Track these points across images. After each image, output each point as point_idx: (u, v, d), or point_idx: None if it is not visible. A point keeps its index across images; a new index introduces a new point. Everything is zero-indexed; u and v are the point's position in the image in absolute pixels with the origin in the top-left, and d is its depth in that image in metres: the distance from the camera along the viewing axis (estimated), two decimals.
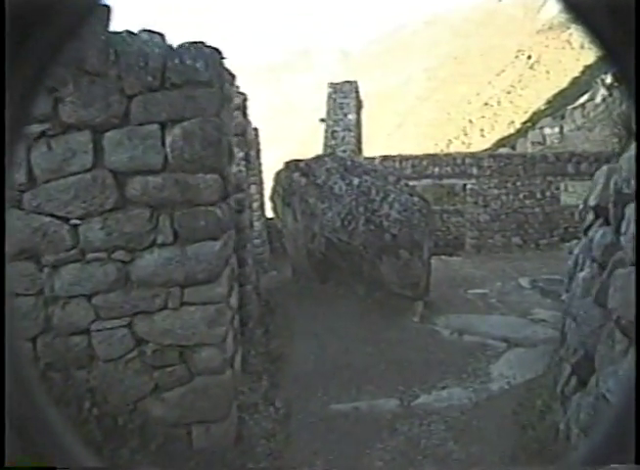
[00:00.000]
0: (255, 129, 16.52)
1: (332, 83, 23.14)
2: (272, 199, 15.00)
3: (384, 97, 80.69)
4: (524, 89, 69.97)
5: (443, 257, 18.45)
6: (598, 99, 43.19)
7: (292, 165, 11.80)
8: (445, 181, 18.35)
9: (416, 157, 18.61)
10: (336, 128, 20.93)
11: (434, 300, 10.92)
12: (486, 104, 72.14)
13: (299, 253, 11.98)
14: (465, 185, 18.15)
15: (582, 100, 44.74)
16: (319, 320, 8.96)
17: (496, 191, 17.79)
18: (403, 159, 18.18)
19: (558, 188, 17.81)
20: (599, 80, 45.02)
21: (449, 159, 18.36)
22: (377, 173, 10.56)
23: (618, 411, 0.75)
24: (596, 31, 0.70)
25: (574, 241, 18.73)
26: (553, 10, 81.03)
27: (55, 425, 0.81)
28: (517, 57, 78.36)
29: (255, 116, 15.05)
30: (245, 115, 14.39)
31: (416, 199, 10.03)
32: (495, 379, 7.02)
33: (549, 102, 57.95)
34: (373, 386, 6.85)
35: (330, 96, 22.74)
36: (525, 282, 12.89)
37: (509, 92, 72.10)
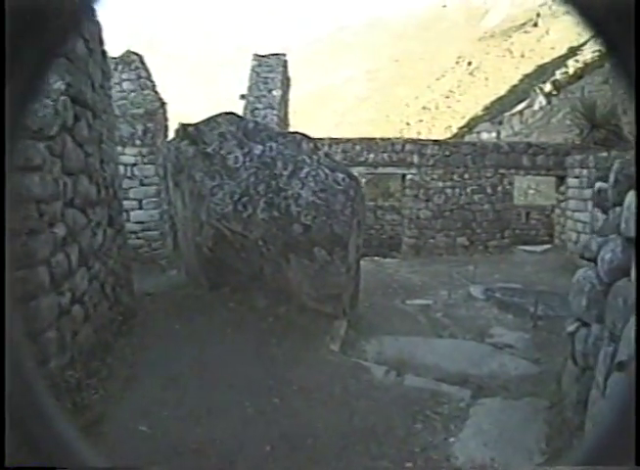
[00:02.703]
0: (163, 104, 13.92)
1: (257, 55, 20.13)
2: (165, 178, 11.96)
3: (323, 96, 79.21)
4: (462, 95, 69.72)
5: (376, 258, 15.78)
6: (536, 106, 42.69)
7: (180, 132, 8.64)
8: (381, 170, 15.59)
9: (348, 140, 15.76)
10: (257, 105, 17.88)
11: (364, 314, 8.08)
12: (425, 107, 71.72)
13: (189, 248, 8.95)
14: (404, 175, 15.47)
15: (520, 107, 44.23)
16: (190, 350, 5.83)
17: (440, 184, 15.18)
18: (333, 142, 15.30)
19: (511, 183, 15.39)
20: (537, 88, 44.76)
21: (387, 144, 15.61)
22: (286, 139, 7.56)
23: (618, 411, 0.72)
24: (598, 27, 0.70)
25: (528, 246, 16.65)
26: (495, 18, 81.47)
27: (55, 425, 0.79)
28: (457, 63, 78.39)
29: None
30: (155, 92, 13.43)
31: (340, 175, 7.08)
32: None
33: (487, 108, 57.67)
34: None
35: (253, 69, 19.72)
36: (476, 291, 10.24)
37: (447, 97, 71.78)
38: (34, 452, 0.74)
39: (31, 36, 0.67)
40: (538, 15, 71.57)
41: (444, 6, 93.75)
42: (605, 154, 11.91)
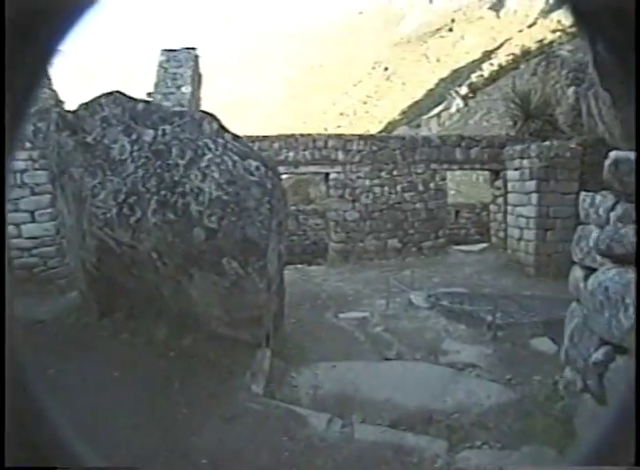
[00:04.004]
0: (59, 102, 12.14)
1: (165, 50, 18.34)
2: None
3: (239, 105, 77.56)
4: (379, 100, 70.16)
5: (301, 265, 14.30)
6: (453, 109, 43.06)
7: (59, 120, 6.82)
8: (303, 169, 14.13)
9: (265, 137, 14.21)
10: (165, 103, 16.04)
11: (291, 335, 6.57)
12: (342, 113, 71.65)
13: (77, 265, 7.22)
14: (327, 174, 14.09)
15: (437, 110, 44.59)
16: (60, 410, 4.11)
17: (367, 182, 13.89)
18: (249, 140, 13.68)
19: (444, 178, 14.31)
20: (454, 92, 45.28)
21: (308, 140, 14.18)
22: (184, 120, 5.92)
23: (618, 412, 0.72)
24: (600, 32, 0.71)
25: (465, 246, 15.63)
26: (411, 24, 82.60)
27: (55, 425, 0.80)
28: (374, 68, 79.03)
29: None
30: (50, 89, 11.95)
31: (253, 163, 5.52)
32: None
33: (404, 112, 58.11)
34: None
35: (161, 65, 17.94)
36: (417, 299, 8.93)
37: (365, 102, 72.05)
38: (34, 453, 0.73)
39: (36, 32, 0.67)
40: (453, 20, 72.98)
41: (361, 12, 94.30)
42: (547, 143, 10.97)
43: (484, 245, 14.48)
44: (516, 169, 11.29)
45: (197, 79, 18.97)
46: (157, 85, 17.55)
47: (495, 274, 11.28)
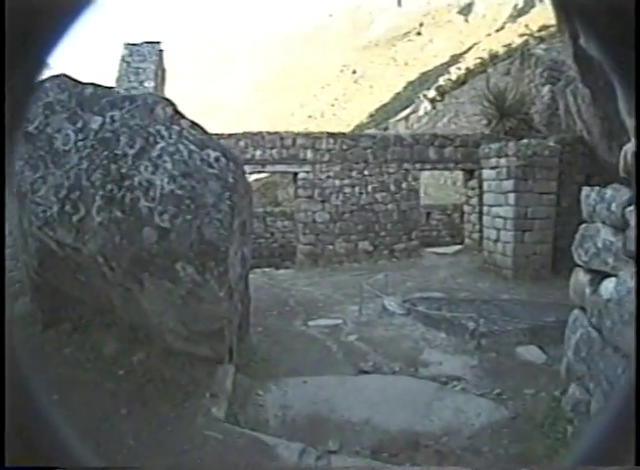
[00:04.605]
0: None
1: (128, 44, 17.60)
2: None
3: (207, 108, 76.61)
4: (347, 102, 69.89)
5: (268, 269, 13.67)
6: (421, 112, 42.98)
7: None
8: (270, 168, 13.49)
9: (230, 135, 13.50)
10: None
11: (257, 346, 5.95)
12: (310, 116, 71.20)
13: (23, 269, 6.50)
14: (296, 174, 13.48)
15: (405, 113, 44.51)
16: None
17: (337, 182, 13.31)
18: (213, 137, 13.00)
19: (417, 178, 13.82)
20: (421, 95, 45.31)
21: (275, 138, 13.55)
22: (134, 105, 5.24)
23: (618, 411, 0.71)
24: (597, 30, 0.70)
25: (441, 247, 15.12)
26: (380, 27, 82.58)
27: (55, 425, 0.79)
28: (342, 71, 78.73)
29: None
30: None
31: (213, 153, 4.87)
32: None
33: (372, 115, 57.88)
34: None
35: (123, 59, 17.18)
36: (392, 304, 8.39)
37: (333, 105, 71.69)
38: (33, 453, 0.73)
39: (35, 31, 0.68)
40: (422, 24, 73.09)
41: (330, 15, 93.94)
42: (525, 141, 10.57)
43: (458, 247, 14.02)
44: (492, 168, 10.85)
45: (160, 74, 18.22)
46: (119, 80, 16.82)
47: (471, 277, 10.82)
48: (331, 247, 13.43)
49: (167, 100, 5.43)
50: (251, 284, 8.15)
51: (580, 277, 3.97)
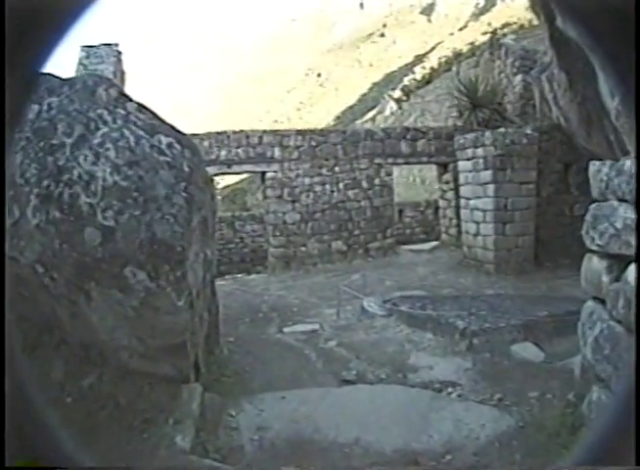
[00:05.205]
0: None
1: (84, 46, 16.77)
2: None
3: (174, 114, 75.62)
4: (313, 106, 69.65)
5: (239, 275, 13.03)
6: (387, 112, 42.83)
7: None
8: (236, 168, 12.87)
9: (194, 135, 12.80)
10: None
11: (228, 358, 5.34)
12: (276, 121, 70.67)
13: None
14: (264, 174, 12.88)
15: (371, 114, 44.36)
16: None
17: (307, 180, 12.77)
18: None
19: (390, 174, 13.34)
20: (387, 95, 45.26)
21: (241, 137, 12.93)
22: (74, 89, 4.58)
23: (618, 411, 0.72)
24: (596, 34, 0.70)
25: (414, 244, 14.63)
26: (344, 30, 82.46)
27: (54, 426, 0.79)
28: (307, 75, 78.45)
29: None
30: None
31: (165, 139, 4.24)
32: None
33: (338, 117, 57.65)
34: None
35: (81, 61, 16.33)
36: (372, 305, 7.85)
37: (299, 109, 71.37)
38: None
39: (34, 32, 0.67)
40: (385, 25, 73.15)
41: (294, 20, 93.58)
42: (502, 130, 10.14)
43: (435, 243, 13.55)
44: (468, 159, 10.39)
45: (119, 76, 17.43)
46: None
47: (452, 273, 10.34)
48: (303, 248, 12.83)
49: (110, 80, 4.78)
50: (221, 291, 7.53)
51: (595, 264, 3.46)
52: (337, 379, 5.04)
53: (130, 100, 4.51)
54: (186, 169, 4.10)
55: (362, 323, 7.33)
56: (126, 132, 4.02)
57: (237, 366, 5.14)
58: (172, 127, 4.27)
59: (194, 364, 4.14)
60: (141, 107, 4.44)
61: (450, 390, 4.60)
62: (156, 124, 4.21)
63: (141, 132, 4.11)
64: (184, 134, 4.28)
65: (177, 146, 4.16)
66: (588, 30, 0.71)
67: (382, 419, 3.83)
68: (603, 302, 3.38)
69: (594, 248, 3.48)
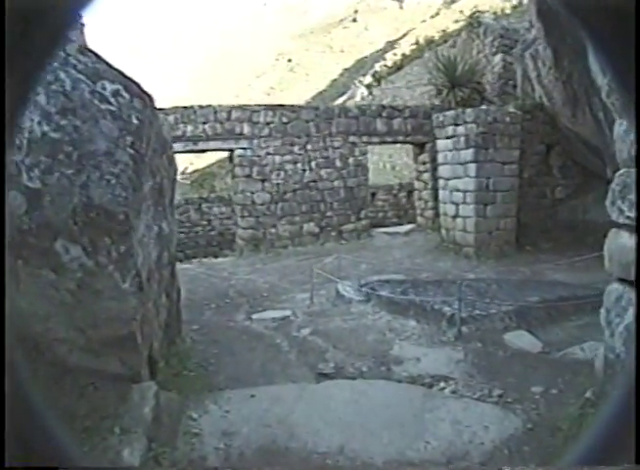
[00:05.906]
0: None
1: None
2: None
3: None
4: (283, 91, 68.57)
5: (205, 259, 12.33)
6: (358, 97, 42.25)
7: None
8: (202, 145, 12.12)
9: (159, 110, 11.97)
10: None
11: (191, 351, 4.69)
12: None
13: None
14: (232, 151, 12.16)
15: (342, 100, 43.78)
16: None
17: (278, 158, 12.08)
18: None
19: (365, 153, 12.71)
20: (357, 81, 44.74)
21: (208, 112, 12.17)
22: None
23: (618, 410, 0.67)
24: (594, 32, 0.64)
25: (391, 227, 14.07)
26: (315, 15, 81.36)
27: (53, 426, 0.76)
28: (277, 60, 77.30)
29: None
30: None
31: (110, 87, 3.49)
32: None
33: (308, 103, 56.85)
34: None
35: None
36: (348, 290, 7.28)
37: (269, 94, 70.16)
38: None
39: (33, 32, 0.65)
40: (356, 11, 72.29)
41: (265, 4, 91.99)
42: (484, 107, 9.62)
43: (411, 226, 13.03)
44: (448, 138, 9.85)
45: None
46: None
47: (430, 257, 9.84)
48: (273, 230, 12.18)
49: None
50: (185, 275, 6.87)
51: (624, 240, 2.92)
52: (312, 372, 4.44)
53: (71, 40, 3.79)
54: (134, 122, 3.42)
55: (338, 309, 6.75)
56: (62, 75, 3.31)
57: (200, 358, 4.51)
58: (121, 73, 3.56)
59: (147, 359, 3.49)
60: (84, 49, 3.74)
61: (443, 385, 4.05)
62: (100, 68, 3.51)
63: (81, 76, 3.40)
64: (135, 82, 3.58)
65: (125, 94, 3.48)
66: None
67: (368, 422, 3.26)
68: (632, 284, 2.85)
69: (622, 221, 2.95)
